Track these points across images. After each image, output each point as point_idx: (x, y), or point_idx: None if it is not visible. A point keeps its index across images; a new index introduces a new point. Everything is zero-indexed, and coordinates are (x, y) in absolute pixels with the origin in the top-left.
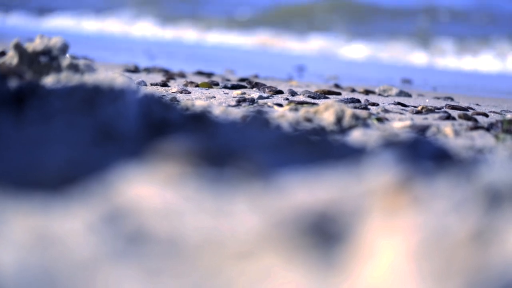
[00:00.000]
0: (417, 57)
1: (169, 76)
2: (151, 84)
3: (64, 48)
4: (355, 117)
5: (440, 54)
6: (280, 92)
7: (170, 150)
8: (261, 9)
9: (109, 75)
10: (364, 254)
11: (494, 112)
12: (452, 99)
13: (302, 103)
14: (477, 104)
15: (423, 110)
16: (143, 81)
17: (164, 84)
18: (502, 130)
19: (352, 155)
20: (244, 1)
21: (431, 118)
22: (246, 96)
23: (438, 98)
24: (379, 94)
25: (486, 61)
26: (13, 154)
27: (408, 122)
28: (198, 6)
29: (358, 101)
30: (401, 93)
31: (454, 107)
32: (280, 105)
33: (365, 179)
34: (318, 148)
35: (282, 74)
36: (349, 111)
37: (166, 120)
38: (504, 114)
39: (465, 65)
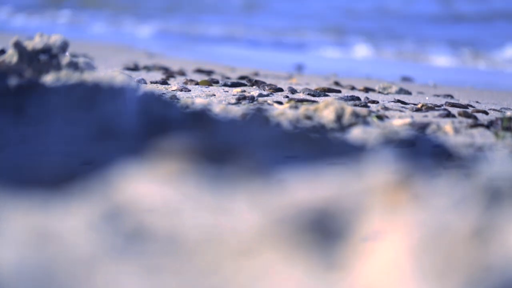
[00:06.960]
0: None
1: (169, 74)
2: (151, 82)
3: (63, 46)
4: (355, 115)
5: None
6: (280, 90)
7: (169, 148)
8: None
9: (108, 73)
10: (364, 251)
11: (494, 109)
12: (452, 97)
13: (302, 101)
14: (477, 102)
15: (423, 108)
16: (142, 79)
17: (164, 82)
18: (501, 127)
19: (352, 152)
20: None
21: (431, 116)
22: (246, 94)
23: (438, 96)
24: (379, 92)
25: None
26: (13, 152)
27: (408, 120)
28: None
29: (358, 98)
30: (401, 91)
31: (454, 105)
32: (280, 103)
33: (365, 176)
34: (318, 145)
35: None
36: (349, 109)
37: (166, 118)
38: (504, 112)
39: None
